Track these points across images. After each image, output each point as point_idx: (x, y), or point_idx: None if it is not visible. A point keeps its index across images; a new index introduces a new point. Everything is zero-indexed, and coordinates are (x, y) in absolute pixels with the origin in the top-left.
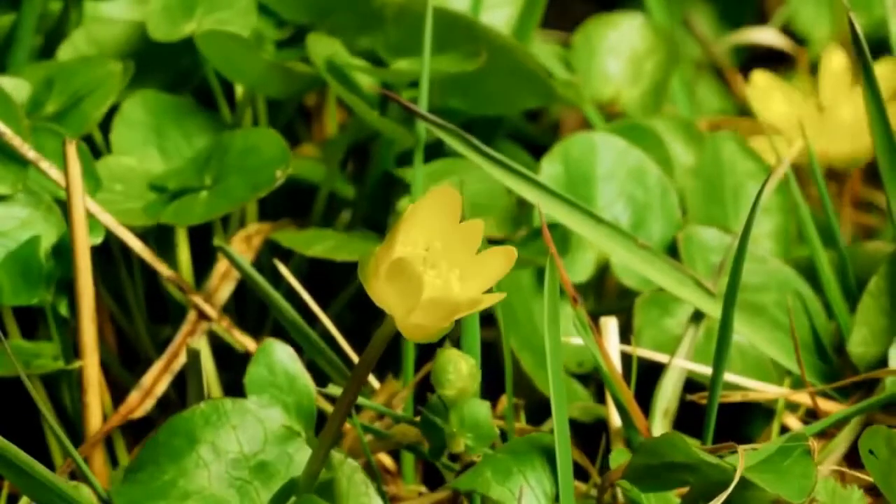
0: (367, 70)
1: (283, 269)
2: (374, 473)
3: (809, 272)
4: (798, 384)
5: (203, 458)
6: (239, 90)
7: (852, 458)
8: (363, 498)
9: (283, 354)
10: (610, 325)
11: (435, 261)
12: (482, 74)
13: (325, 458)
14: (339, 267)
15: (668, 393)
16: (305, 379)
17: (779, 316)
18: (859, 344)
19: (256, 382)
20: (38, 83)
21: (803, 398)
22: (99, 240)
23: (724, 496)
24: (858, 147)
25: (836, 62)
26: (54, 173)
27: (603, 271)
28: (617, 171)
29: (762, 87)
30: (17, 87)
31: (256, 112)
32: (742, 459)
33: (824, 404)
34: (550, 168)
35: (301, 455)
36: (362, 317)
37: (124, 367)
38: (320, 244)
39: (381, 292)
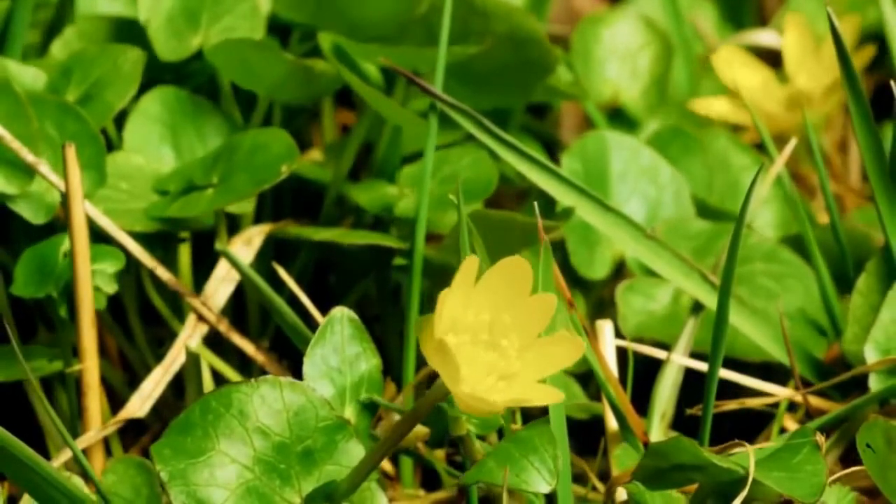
0: (377, 52)
1: (283, 273)
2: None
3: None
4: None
5: (252, 438)
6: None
7: (848, 459)
8: (366, 493)
9: (349, 329)
10: (606, 328)
11: (501, 333)
12: (490, 60)
13: (368, 475)
14: (342, 271)
15: (665, 394)
16: (368, 360)
17: (771, 287)
18: (852, 342)
19: (317, 364)
20: (54, 72)
21: (800, 399)
22: (112, 270)
23: (740, 499)
24: (816, 114)
25: (798, 28)
26: (54, 178)
27: (621, 267)
28: (630, 169)
29: (727, 59)
30: (34, 77)
31: (271, 116)
32: (753, 460)
33: (824, 404)
34: (570, 164)
35: (346, 445)
36: (364, 322)
37: (123, 367)
38: (327, 232)
39: (432, 359)
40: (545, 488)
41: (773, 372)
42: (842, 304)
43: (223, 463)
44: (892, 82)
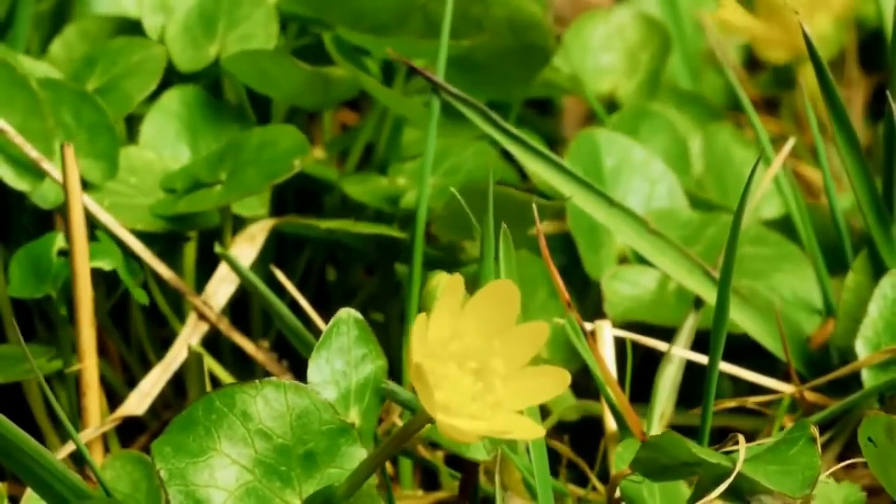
0: (382, 44)
1: (282, 277)
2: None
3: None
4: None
5: (254, 439)
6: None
7: (846, 458)
8: (365, 498)
9: (355, 331)
10: (605, 328)
11: (489, 360)
12: (490, 46)
13: (364, 481)
14: (345, 269)
15: (664, 394)
16: (374, 361)
17: (760, 269)
18: (844, 337)
19: (322, 367)
20: (78, 60)
21: (796, 394)
22: (109, 267)
23: (720, 490)
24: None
25: None
26: (57, 174)
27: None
28: (622, 166)
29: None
30: (47, 73)
31: (269, 115)
32: (742, 455)
33: (818, 399)
34: (568, 164)
35: (349, 449)
36: (368, 322)
37: (122, 368)
38: (332, 222)
39: (413, 382)
40: (482, 456)
41: (766, 366)
42: (834, 282)
43: (224, 464)
44: (888, 92)
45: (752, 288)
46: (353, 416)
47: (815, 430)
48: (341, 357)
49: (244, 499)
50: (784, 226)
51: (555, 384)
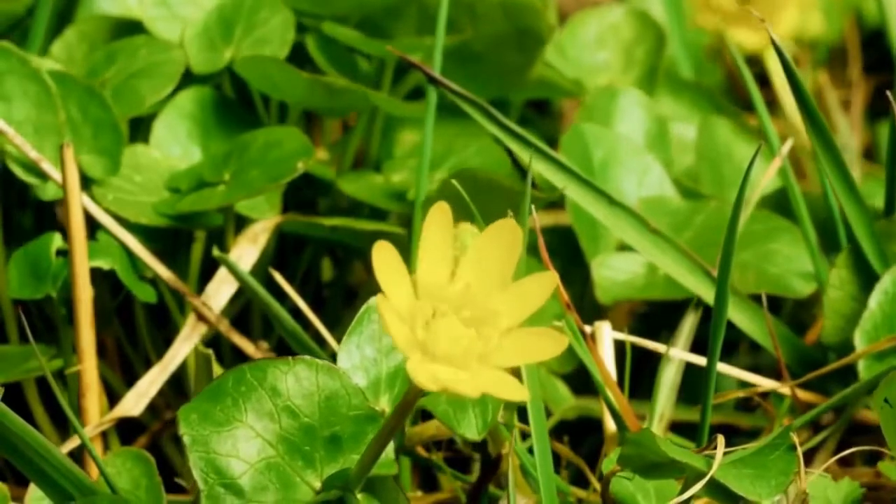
0: (370, 42)
1: (281, 280)
2: None
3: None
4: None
5: (280, 416)
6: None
7: (843, 458)
8: (388, 486)
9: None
10: (604, 329)
11: (485, 308)
12: (484, 34)
13: (375, 460)
14: (346, 269)
15: (664, 395)
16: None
17: (753, 249)
18: (833, 334)
19: (352, 353)
20: (97, 54)
21: (787, 390)
22: (107, 266)
23: (693, 490)
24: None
25: None
26: (56, 175)
27: None
28: (610, 158)
29: None
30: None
31: (269, 115)
32: (720, 455)
33: (811, 397)
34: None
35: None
36: None
37: (124, 368)
38: (336, 220)
39: (380, 314)
40: (473, 436)
41: (768, 361)
42: (828, 261)
43: (248, 436)
44: (888, 93)
45: (749, 276)
46: (383, 405)
47: (794, 437)
48: (372, 344)
49: (264, 473)
50: (776, 206)
51: (552, 346)
